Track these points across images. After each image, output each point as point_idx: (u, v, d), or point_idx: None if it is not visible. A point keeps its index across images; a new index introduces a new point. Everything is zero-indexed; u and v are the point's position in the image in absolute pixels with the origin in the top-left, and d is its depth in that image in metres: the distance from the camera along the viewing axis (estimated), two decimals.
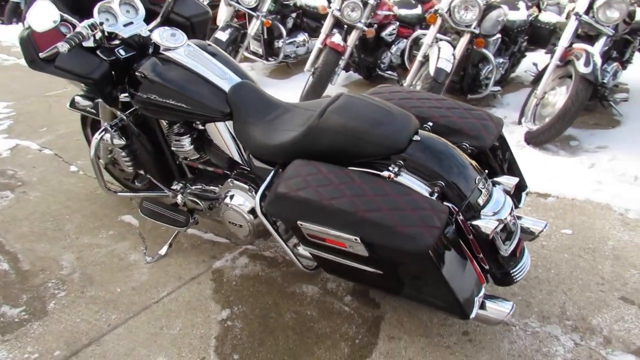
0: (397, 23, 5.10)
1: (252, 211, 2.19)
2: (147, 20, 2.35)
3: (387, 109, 1.85)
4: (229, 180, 2.23)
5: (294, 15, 5.83)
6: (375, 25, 4.81)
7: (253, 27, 5.36)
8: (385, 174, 1.75)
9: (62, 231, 2.77)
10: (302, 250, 2.06)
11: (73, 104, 2.81)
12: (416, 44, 5.04)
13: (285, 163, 1.97)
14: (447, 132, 1.95)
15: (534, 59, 4.60)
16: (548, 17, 4.79)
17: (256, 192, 2.17)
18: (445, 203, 1.70)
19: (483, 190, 1.80)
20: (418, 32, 4.52)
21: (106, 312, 2.16)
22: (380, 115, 1.79)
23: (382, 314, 2.10)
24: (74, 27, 2.15)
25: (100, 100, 2.44)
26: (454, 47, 3.99)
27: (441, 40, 4.02)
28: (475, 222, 1.73)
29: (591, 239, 2.54)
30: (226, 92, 2.13)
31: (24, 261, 2.51)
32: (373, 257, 1.67)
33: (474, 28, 3.94)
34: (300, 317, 2.10)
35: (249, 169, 2.27)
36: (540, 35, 4.77)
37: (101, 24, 2.11)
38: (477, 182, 1.79)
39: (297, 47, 5.84)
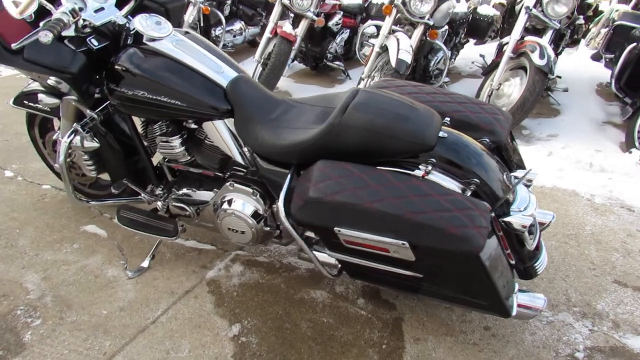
0: (342, 13, 5.05)
1: (256, 215, 2.03)
2: (118, 5, 2.08)
3: (410, 104, 1.78)
4: (228, 183, 2.05)
5: (229, 1, 5.57)
6: (323, 15, 4.71)
7: (190, 15, 5.04)
8: (418, 172, 1.70)
9: (16, 247, 2.40)
10: (320, 255, 1.94)
11: (19, 101, 2.43)
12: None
13: (301, 164, 1.85)
14: (463, 127, 1.91)
15: (472, 51, 4.76)
16: (486, 9, 4.99)
17: (261, 196, 2.03)
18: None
19: (510, 187, 1.80)
20: (369, 22, 4.49)
21: (97, 339, 1.90)
22: (405, 111, 1.72)
23: (400, 315, 2.04)
24: (46, 13, 1.84)
25: (67, 97, 2.12)
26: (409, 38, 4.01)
27: (397, 31, 4.02)
28: (507, 219, 1.72)
29: (570, 225, 2.67)
30: (224, 87, 1.95)
31: None
32: (419, 261, 1.60)
33: (428, 19, 3.99)
34: (317, 325, 1.99)
35: (247, 170, 2.10)
36: (478, 27, 4.95)
37: (80, 9, 1.83)
38: (505, 178, 1.79)
39: (235, 35, 5.60)
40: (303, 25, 4.40)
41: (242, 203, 2.03)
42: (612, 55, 4.46)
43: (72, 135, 2.09)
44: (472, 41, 5.39)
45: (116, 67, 1.93)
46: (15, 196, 2.84)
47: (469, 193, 1.69)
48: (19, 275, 2.22)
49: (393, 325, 1.99)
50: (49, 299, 2.09)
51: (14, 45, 1.69)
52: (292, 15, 4.49)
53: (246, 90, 1.97)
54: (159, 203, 2.30)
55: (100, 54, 1.98)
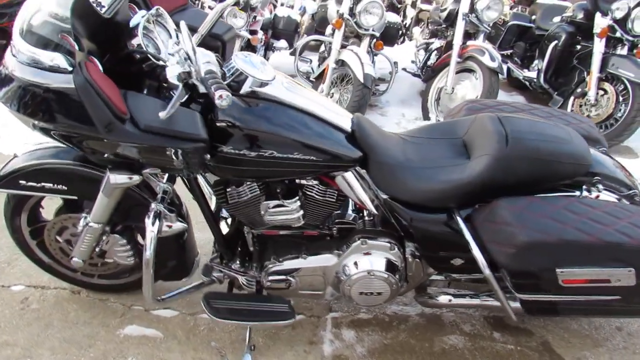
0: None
1: (393, 270, 1.78)
2: None
3: (556, 125, 1.74)
4: (359, 241, 1.74)
5: None
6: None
7: None
8: (594, 194, 1.66)
9: None
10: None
11: (4, 183, 1.75)
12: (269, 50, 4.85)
13: (461, 205, 1.66)
14: None
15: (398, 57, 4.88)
16: (393, 17, 5.14)
17: (399, 248, 1.78)
18: None
19: None
20: (308, 38, 4.29)
21: None
22: (562, 134, 1.68)
23: (543, 339, 1.98)
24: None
25: (147, 171, 1.57)
26: None
27: (345, 45, 3.92)
28: None
29: None
30: (349, 131, 1.66)
31: None
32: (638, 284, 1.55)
33: (373, 31, 3.97)
34: None
35: (368, 222, 1.83)
36: (390, 34, 5.08)
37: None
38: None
39: None
40: (237, 44, 4.03)
41: (381, 261, 1.76)
42: (509, 52, 4.96)
43: (157, 220, 1.56)
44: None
45: (218, 123, 1.49)
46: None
47: None
48: None
49: (548, 352, 1.92)
50: None
51: (162, 114, 1.17)
52: None
53: (370, 131, 1.70)
54: (242, 279, 1.88)
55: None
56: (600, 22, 3.64)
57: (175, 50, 1.31)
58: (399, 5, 7.45)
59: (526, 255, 1.47)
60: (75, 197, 1.81)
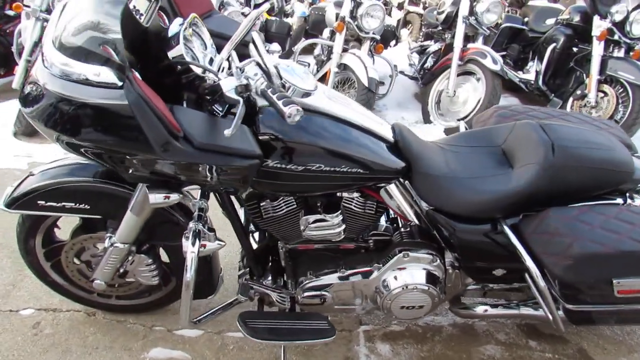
0: None
1: (435, 283, 1.73)
2: None
3: (597, 132, 1.72)
4: (401, 254, 1.69)
5: None
6: None
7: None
8: (638, 202, 1.64)
9: None
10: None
11: (22, 204, 1.64)
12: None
13: (507, 215, 1.62)
14: None
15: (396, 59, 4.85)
16: (388, 20, 5.12)
17: (440, 259, 1.73)
18: None
19: None
20: (308, 41, 4.22)
21: None
22: (604, 140, 1.66)
23: (578, 346, 1.96)
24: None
25: (187, 188, 1.48)
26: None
27: (346, 49, 3.86)
28: None
29: None
30: (391, 141, 1.60)
31: None
32: None
33: (373, 34, 3.93)
34: None
35: (405, 233, 1.78)
36: (386, 37, 5.05)
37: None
38: None
39: None
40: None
41: (422, 273, 1.71)
42: (503, 54, 4.96)
43: (197, 240, 1.46)
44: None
45: (261, 137, 1.41)
46: None
47: None
48: None
49: (585, 359, 1.91)
50: None
51: (227, 132, 1.09)
52: None
53: (412, 140, 1.65)
54: (276, 295, 1.80)
55: None
56: (600, 25, 3.67)
57: (246, 63, 1.25)
58: (386, 7, 7.43)
59: (582, 267, 1.44)
60: (99, 217, 1.70)
